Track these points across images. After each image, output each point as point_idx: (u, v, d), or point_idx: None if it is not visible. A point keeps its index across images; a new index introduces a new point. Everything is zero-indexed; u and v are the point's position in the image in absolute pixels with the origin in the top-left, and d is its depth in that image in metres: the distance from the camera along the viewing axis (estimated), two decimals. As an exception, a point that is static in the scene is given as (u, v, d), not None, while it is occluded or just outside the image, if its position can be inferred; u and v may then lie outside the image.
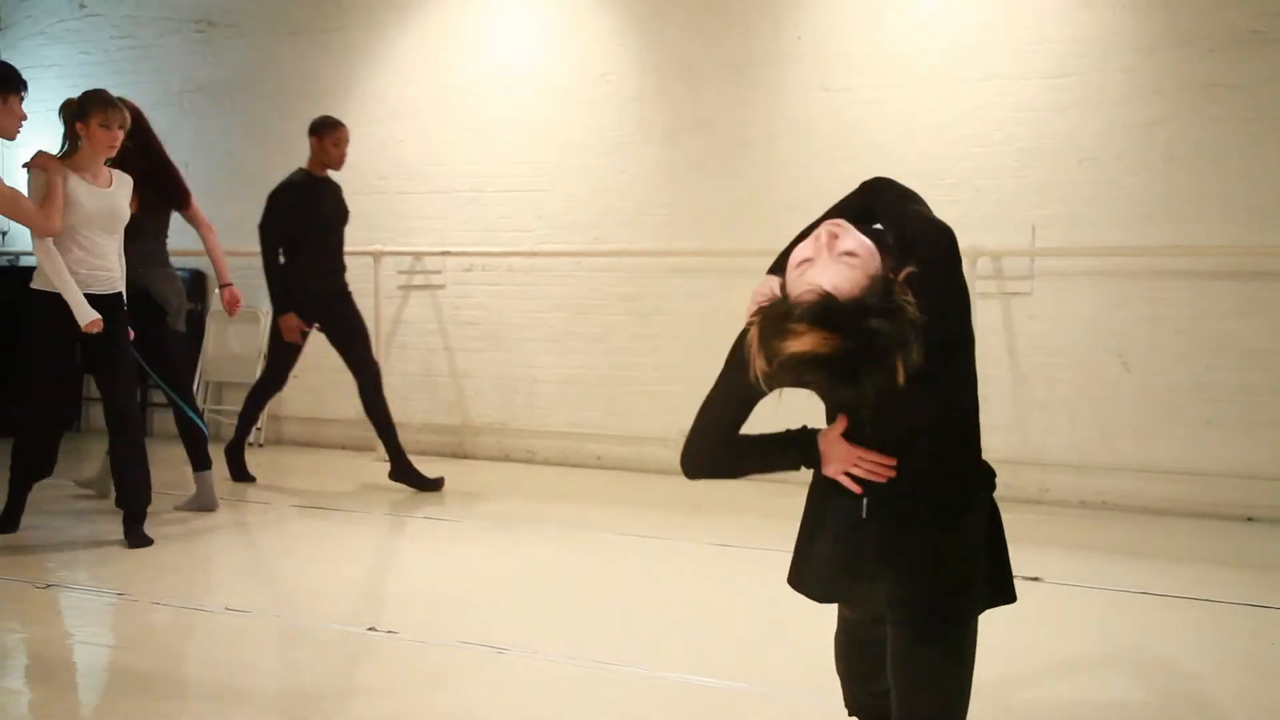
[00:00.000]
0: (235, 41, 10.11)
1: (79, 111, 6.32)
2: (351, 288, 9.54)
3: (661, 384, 8.33)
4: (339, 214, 8.09)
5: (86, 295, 5.98)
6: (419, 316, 9.28)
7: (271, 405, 9.89)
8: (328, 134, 7.88)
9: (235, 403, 9.98)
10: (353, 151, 9.52)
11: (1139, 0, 7.15)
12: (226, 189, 10.16)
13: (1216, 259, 7.01)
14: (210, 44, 10.23)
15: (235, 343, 10.12)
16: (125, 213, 6.38)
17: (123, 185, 6.41)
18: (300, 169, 7.95)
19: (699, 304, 8.14)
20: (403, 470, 7.72)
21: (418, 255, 9.28)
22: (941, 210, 7.92)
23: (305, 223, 7.84)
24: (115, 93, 10.73)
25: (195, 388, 10.07)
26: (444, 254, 9.13)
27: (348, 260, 9.49)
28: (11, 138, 6.27)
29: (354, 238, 9.48)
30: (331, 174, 7.98)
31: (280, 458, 9.27)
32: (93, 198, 6.15)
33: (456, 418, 9.20)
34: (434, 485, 7.66)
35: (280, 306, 7.79)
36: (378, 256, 9.16)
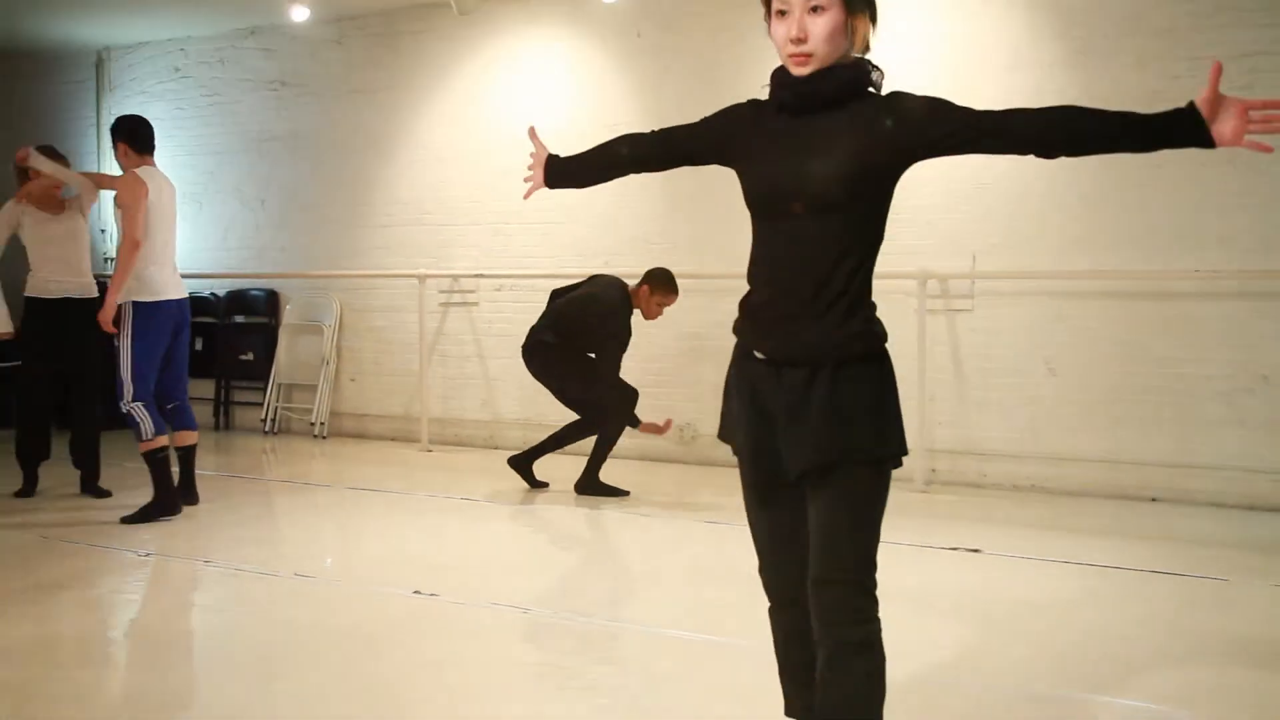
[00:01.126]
0: (304, 99, 10.13)
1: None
2: (400, 305, 9.58)
3: (660, 385, 8.32)
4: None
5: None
6: (457, 329, 9.28)
7: (333, 402, 9.92)
8: (662, 293, 7.12)
9: (304, 401, 10.00)
10: (402, 189, 9.58)
11: (1059, 65, 7.16)
12: (295, 221, 10.20)
13: (1128, 282, 7.01)
14: (283, 101, 10.24)
15: (303, 351, 10.12)
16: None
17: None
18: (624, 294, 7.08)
19: (692, 318, 8.13)
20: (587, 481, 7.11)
21: (456, 277, 9.27)
22: (898, 240, 7.95)
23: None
24: (200, 141, 10.84)
25: (269, 389, 10.10)
26: (478, 276, 9.13)
27: (398, 282, 9.53)
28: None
29: (402, 263, 9.52)
30: None
31: (338, 448, 9.27)
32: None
33: (488, 414, 9.19)
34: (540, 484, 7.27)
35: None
36: (422, 278, 9.15)
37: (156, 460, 6.02)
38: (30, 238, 6.77)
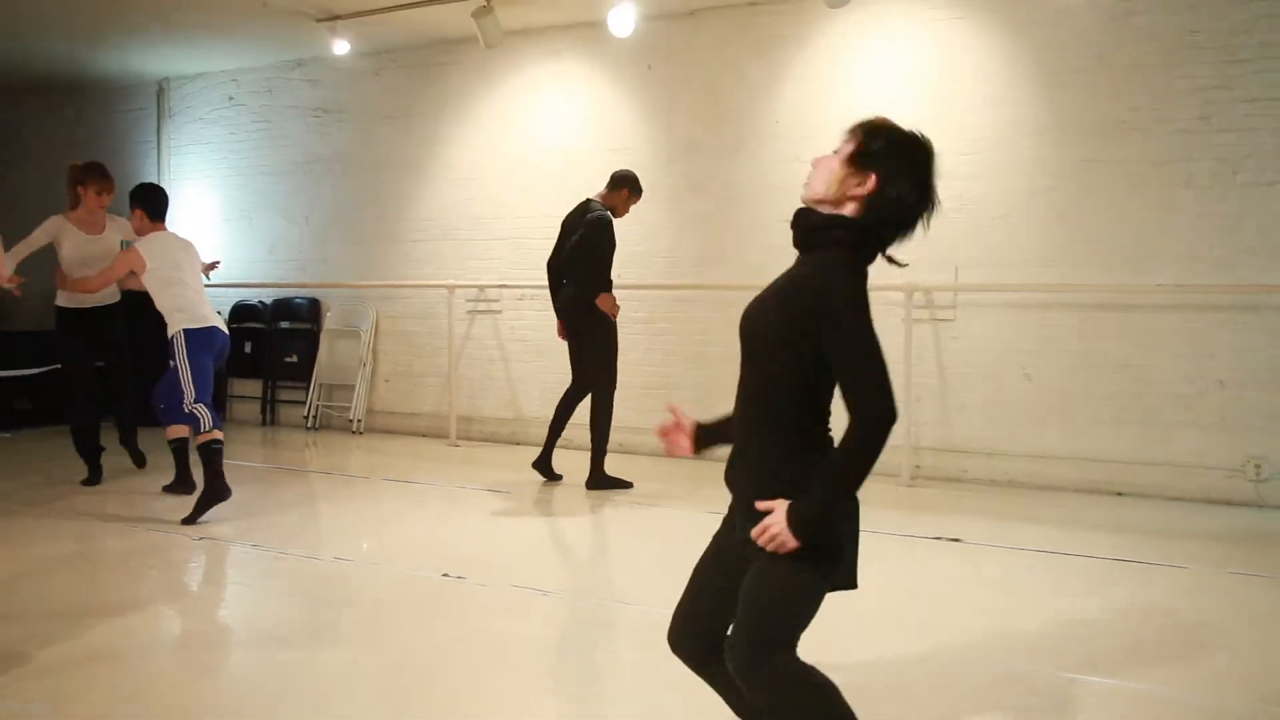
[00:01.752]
0: (343, 124, 10.15)
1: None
2: (430, 313, 9.59)
3: (666, 387, 8.32)
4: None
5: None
6: (482, 335, 9.29)
7: (369, 400, 9.94)
8: (638, 194, 7.25)
9: (342, 400, 10.02)
10: (432, 207, 9.59)
11: (1034, 97, 7.16)
12: (336, 236, 10.22)
13: (1096, 294, 7.00)
14: (325, 126, 10.27)
15: (342, 354, 10.15)
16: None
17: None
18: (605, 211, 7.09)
19: (695, 326, 8.15)
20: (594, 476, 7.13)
21: (482, 288, 9.28)
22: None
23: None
24: (250, 163, 10.88)
25: (311, 389, 10.13)
26: (502, 286, 9.14)
27: (429, 291, 9.55)
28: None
29: (432, 274, 9.55)
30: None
31: (374, 443, 9.28)
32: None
33: (511, 413, 9.20)
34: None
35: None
36: (451, 288, 9.16)
37: (211, 451, 6.04)
38: (68, 253, 6.77)
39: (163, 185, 10.91)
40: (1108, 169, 6.99)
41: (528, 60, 9.09)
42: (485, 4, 8.02)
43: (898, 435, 7.41)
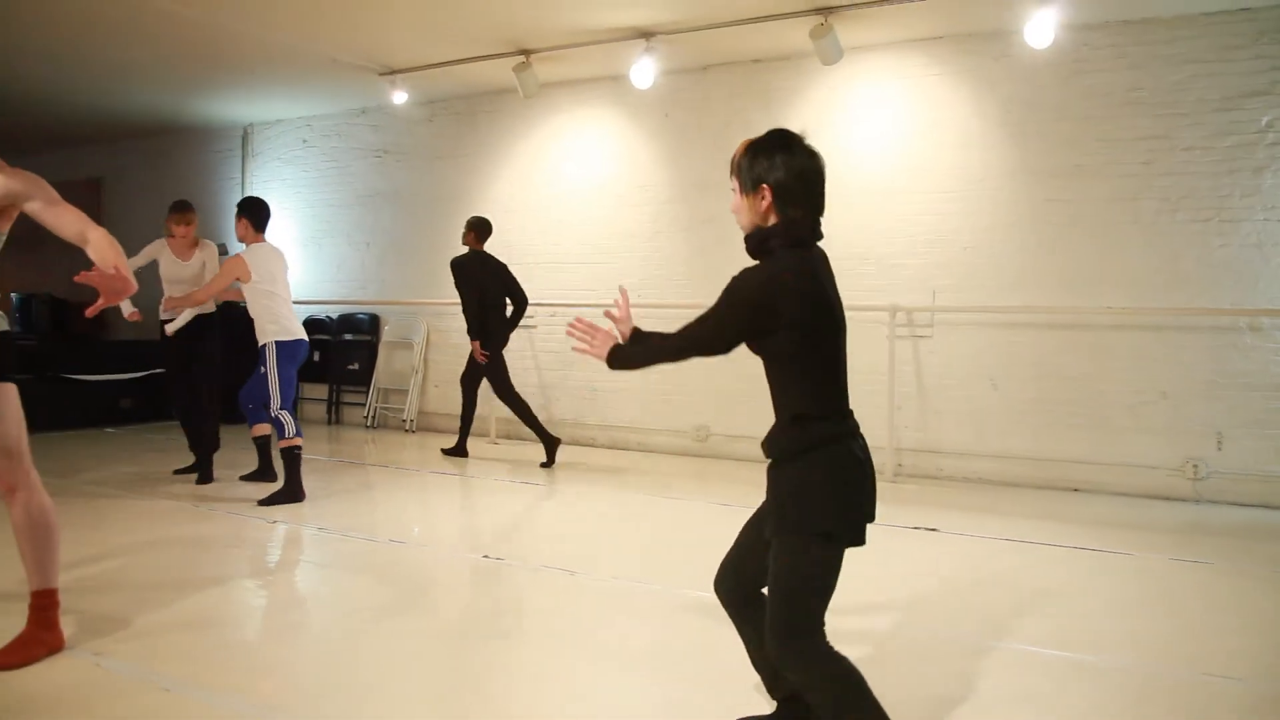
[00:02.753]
0: (401, 163, 10.19)
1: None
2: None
3: (681, 394, 8.32)
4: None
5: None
6: (518, 346, 9.30)
7: (420, 403, 9.96)
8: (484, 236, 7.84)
9: (397, 402, 10.05)
10: (478, 236, 9.61)
11: (1001, 143, 7.14)
12: (393, 260, 10.25)
13: (1054, 315, 6.97)
14: (384, 165, 10.31)
15: (398, 362, 10.17)
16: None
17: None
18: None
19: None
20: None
21: (520, 306, 9.30)
22: (870, 280, 7.91)
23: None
24: (320, 196, 10.92)
25: (370, 392, 10.15)
26: (536, 305, 9.12)
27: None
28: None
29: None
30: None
31: (424, 440, 9.29)
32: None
33: (543, 415, 9.18)
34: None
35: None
36: (493, 306, 9.18)
37: (292, 456, 6.04)
38: (164, 274, 6.77)
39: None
40: (1065, 207, 6.97)
41: (561, 108, 9.11)
42: (524, 60, 8.06)
43: (882, 437, 7.43)
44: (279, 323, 6.15)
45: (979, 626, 3.91)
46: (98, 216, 13.11)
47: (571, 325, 2.78)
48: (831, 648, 2.41)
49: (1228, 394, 6.53)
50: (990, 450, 7.22)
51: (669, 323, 9.17)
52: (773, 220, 2.51)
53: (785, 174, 2.48)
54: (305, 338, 6.29)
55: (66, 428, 9.13)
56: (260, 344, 6.11)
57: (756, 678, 2.96)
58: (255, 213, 6.32)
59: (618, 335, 2.73)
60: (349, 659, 3.46)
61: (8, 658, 3.22)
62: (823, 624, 2.44)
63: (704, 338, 2.49)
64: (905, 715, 3.01)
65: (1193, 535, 5.64)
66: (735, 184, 2.58)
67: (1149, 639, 3.78)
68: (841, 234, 7.70)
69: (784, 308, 2.39)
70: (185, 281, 6.70)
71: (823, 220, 2.54)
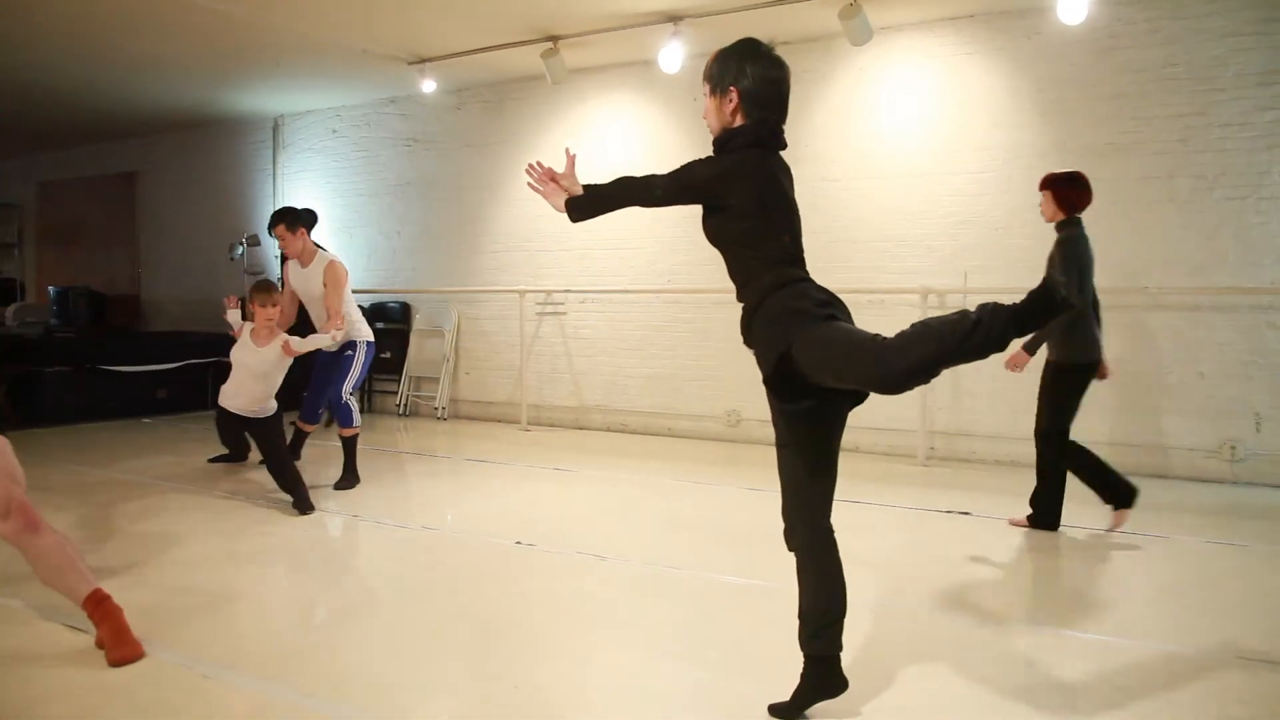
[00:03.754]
0: (430, 152, 10.23)
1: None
2: (504, 314, 9.64)
3: (710, 379, 8.31)
4: None
5: None
6: (550, 334, 9.33)
7: (451, 390, 10.02)
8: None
9: (429, 390, 10.11)
10: (506, 223, 9.64)
11: (1033, 123, 7.06)
12: (423, 248, 10.30)
13: (1090, 296, 6.90)
14: (414, 154, 10.35)
15: (429, 350, 10.23)
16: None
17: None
18: None
19: (736, 326, 8.11)
20: None
21: (549, 293, 9.32)
22: (903, 262, 7.85)
23: None
24: (350, 186, 10.97)
25: (403, 380, 10.23)
26: (567, 292, 9.17)
27: (503, 296, 9.59)
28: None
29: (504, 280, 9.60)
30: None
31: (456, 427, 9.36)
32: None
33: (575, 402, 9.23)
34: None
35: None
36: (522, 293, 9.21)
37: (355, 441, 6.34)
38: (233, 359, 5.69)
39: (277, 205, 11.16)
40: (1098, 185, 6.82)
41: (589, 94, 9.11)
42: (552, 46, 8.05)
43: (913, 420, 7.39)
44: (360, 323, 6.34)
45: (1014, 611, 3.89)
46: (133, 210, 13.31)
47: (530, 167, 3.11)
48: (818, 543, 2.80)
49: (1266, 374, 6.43)
50: (1024, 433, 7.10)
51: (699, 308, 9.12)
52: (739, 122, 2.77)
53: (751, 81, 2.74)
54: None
55: (104, 418, 9.26)
56: (354, 339, 6.23)
57: (787, 663, 2.96)
58: (310, 222, 6.38)
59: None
60: (383, 644, 3.49)
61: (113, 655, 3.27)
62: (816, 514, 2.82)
63: (641, 193, 2.93)
64: (945, 698, 3.01)
65: (1230, 517, 5.57)
66: (706, 88, 2.84)
67: (1185, 622, 3.75)
68: (873, 216, 7.66)
69: (731, 198, 2.70)
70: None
71: (784, 127, 2.79)
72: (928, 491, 6.15)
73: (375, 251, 10.65)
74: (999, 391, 7.22)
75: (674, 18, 7.47)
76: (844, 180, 7.76)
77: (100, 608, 3.29)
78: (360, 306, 6.68)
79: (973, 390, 7.32)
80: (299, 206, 6.46)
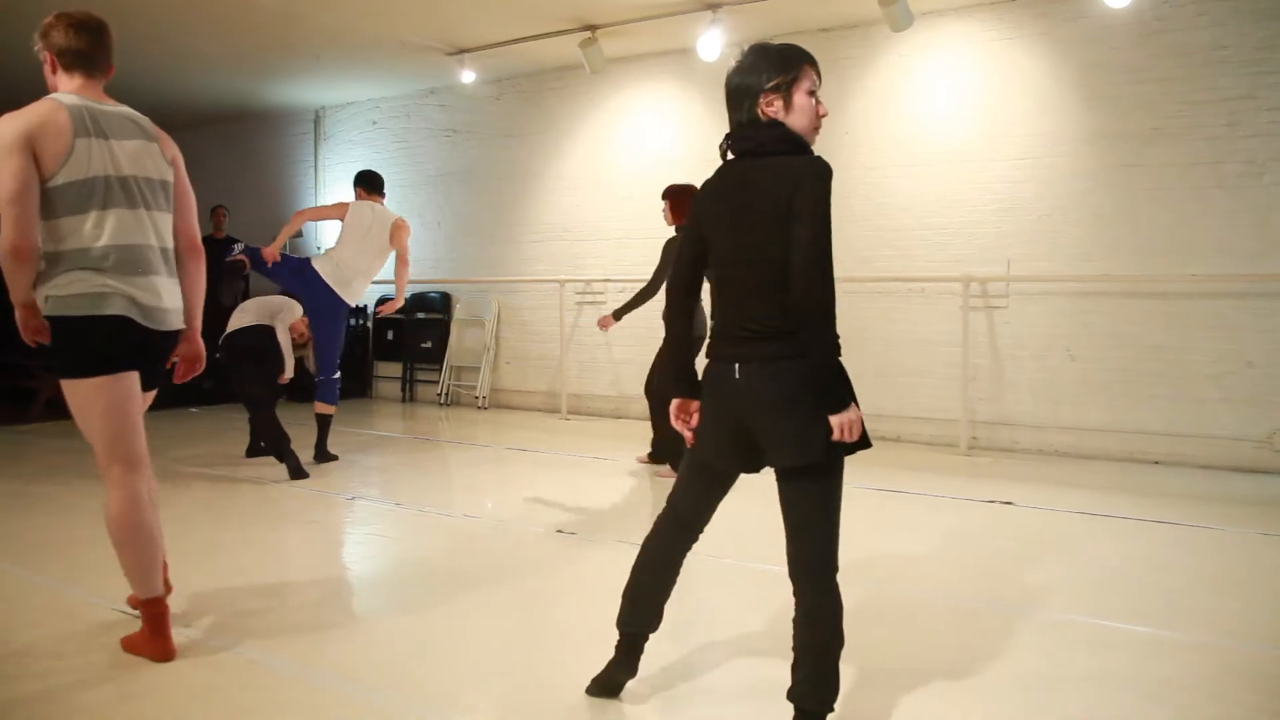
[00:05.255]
0: (470, 142, 10.28)
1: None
2: (544, 304, 9.68)
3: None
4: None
5: None
6: (589, 323, 9.35)
7: (492, 380, 10.08)
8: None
9: (469, 379, 10.18)
10: (545, 212, 9.67)
11: (1077, 107, 6.97)
12: (464, 239, 10.37)
13: (1130, 284, 6.81)
14: (455, 145, 10.41)
15: (469, 340, 10.30)
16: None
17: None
18: None
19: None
20: None
21: (588, 282, 9.35)
22: (944, 250, 7.81)
23: None
24: (391, 177, 11.07)
25: (443, 370, 10.30)
26: (606, 281, 9.20)
27: (543, 285, 9.62)
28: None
29: (545, 270, 9.63)
30: None
31: (496, 416, 9.42)
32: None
33: (614, 391, 9.26)
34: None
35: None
36: (562, 283, 9.25)
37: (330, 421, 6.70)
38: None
39: (318, 197, 11.27)
40: (1144, 172, 6.78)
41: (628, 83, 9.11)
42: (590, 36, 8.06)
43: (955, 409, 7.34)
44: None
45: (1057, 601, 3.86)
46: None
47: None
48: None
49: (1317, 362, 6.32)
50: (1067, 422, 7.09)
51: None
52: (783, 116, 2.71)
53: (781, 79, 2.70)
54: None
55: (153, 408, 9.38)
56: (354, 305, 6.71)
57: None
58: (366, 180, 6.78)
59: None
60: (424, 632, 3.54)
61: (132, 647, 3.29)
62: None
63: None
64: (983, 689, 3.00)
65: (1278, 509, 5.49)
66: (763, 102, 2.74)
67: (1229, 615, 3.71)
68: (914, 204, 7.60)
69: (698, 231, 2.71)
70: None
71: (736, 131, 2.71)
72: (971, 482, 6.12)
73: (416, 241, 10.68)
74: (1041, 382, 7.15)
75: (712, 5, 7.45)
76: (885, 168, 7.71)
77: (153, 621, 3.26)
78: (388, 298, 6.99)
79: (1014, 380, 7.26)
80: (365, 175, 6.78)
